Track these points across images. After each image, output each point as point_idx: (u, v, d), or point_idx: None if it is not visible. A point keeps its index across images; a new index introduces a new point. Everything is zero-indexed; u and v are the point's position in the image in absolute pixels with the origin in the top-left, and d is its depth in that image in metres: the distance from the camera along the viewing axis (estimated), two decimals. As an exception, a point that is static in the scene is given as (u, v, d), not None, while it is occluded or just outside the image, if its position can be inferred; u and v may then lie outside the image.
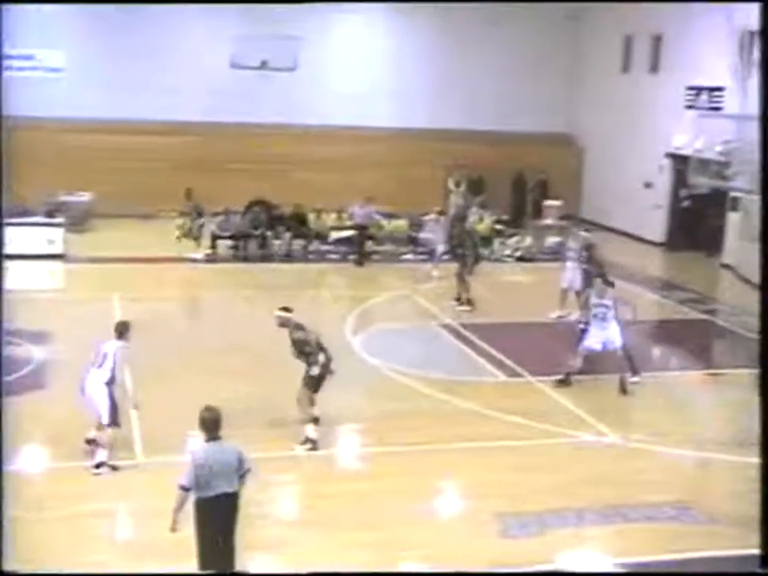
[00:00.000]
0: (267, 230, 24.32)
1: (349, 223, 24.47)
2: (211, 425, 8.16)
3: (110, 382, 10.89)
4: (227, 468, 8.10)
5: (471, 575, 9.45)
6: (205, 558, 8.16)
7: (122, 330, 11.22)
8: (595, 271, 16.80)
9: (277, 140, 28.59)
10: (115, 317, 13.73)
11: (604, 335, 14.52)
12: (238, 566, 8.36)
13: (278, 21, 27.25)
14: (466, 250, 19.59)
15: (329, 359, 11.95)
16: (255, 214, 24.59)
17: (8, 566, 7.13)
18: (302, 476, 8.90)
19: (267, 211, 24.94)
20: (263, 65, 27.79)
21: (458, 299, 19.23)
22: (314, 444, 11.68)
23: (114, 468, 10.88)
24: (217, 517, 8.14)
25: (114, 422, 10.95)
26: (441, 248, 22.35)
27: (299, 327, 11.93)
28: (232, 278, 22.19)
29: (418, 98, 30.23)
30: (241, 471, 8.19)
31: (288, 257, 23.97)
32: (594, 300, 14.77)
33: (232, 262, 23.30)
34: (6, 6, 7.72)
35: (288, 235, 24.33)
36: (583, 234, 19.68)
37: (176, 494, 8.14)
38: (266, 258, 23.68)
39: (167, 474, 9.46)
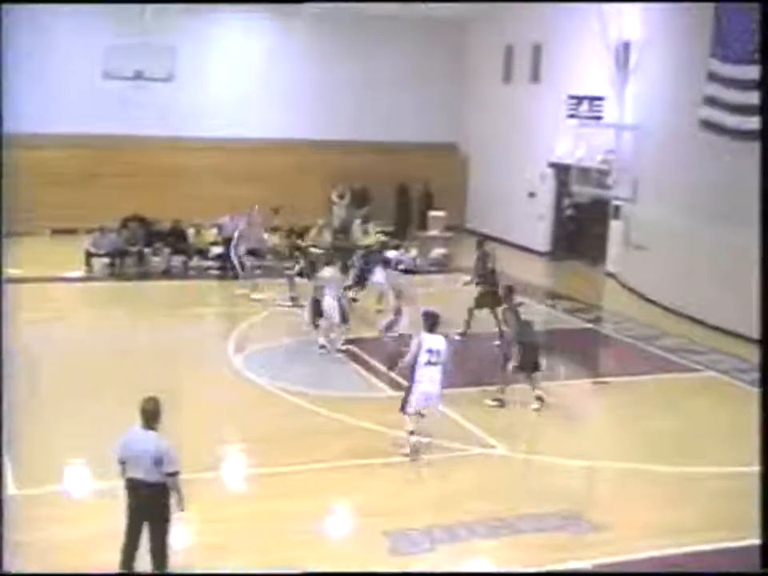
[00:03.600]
0: (145, 247, 24.05)
1: (218, 237, 24.34)
2: (147, 414, 8.67)
3: None
4: (143, 456, 8.56)
5: (468, 575, 9.74)
6: (124, 537, 8.83)
7: None
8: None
9: (153, 152, 28.30)
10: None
11: None
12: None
13: (152, 30, 27.02)
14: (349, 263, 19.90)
15: None
16: (132, 230, 24.28)
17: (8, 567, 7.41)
18: (189, 498, 8.85)
19: (144, 227, 24.66)
20: (138, 75, 27.50)
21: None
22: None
23: None
24: (129, 500, 8.77)
25: None
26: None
27: None
28: (108, 296, 21.87)
29: (300, 108, 30.31)
30: (163, 468, 8.54)
31: (167, 273, 23.73)
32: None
33: (108, 280, 22.96)
34: (6, 6, 7.61)
35: (167, 251, 24.10)
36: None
37: None
38: (144, 276, 23.40)
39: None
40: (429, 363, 12.28)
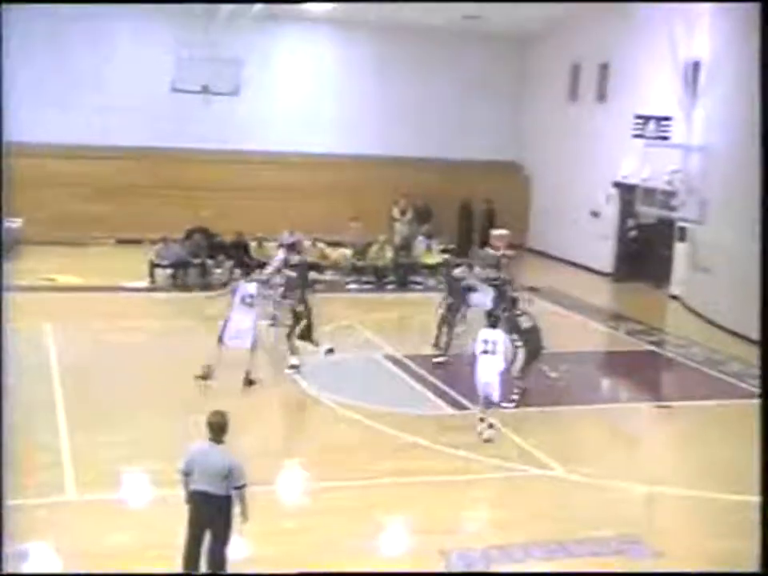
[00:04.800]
0: (207, 259, 24.31)
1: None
2: (214, 427, 8.81)
3: None
4: (210, 470, 8.67)
5: (473, 575, 9.76)
6: (184, 549, 8.89)
7: None
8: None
9: (218, 166, 28.65)
10: (48, 348, 13.61)
11: None
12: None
13: (218, 43, 27.31)
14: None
15: None
16: (195, 242, 24.57)
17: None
18: (252, 510, 8.93)
19: (207, 239, 24.94)
20: (204, 89, 27.80)
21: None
22: None
23: None
24: (192, 512, 8.85)
25: None
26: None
27: None
28: (171, 307, 22.11)
29: (363, 124, 30.52)
30: (231, 482, 8.68)
31: (229, 285, 23.88)
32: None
33: (171, 290, 23.22)
34: (6, 6, 7.78)
35: (229, 264, 24.32)
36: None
37: None
38: (207, 287, 23.56)
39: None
40: (484, 352, 13.55)
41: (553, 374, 16.39)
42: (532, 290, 20.18)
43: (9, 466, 8.22)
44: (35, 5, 24.85)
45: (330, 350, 17.12)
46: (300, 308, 16.83)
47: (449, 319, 17.77)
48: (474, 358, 13.76)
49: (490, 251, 21.02)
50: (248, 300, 16.03)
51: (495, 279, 18.59)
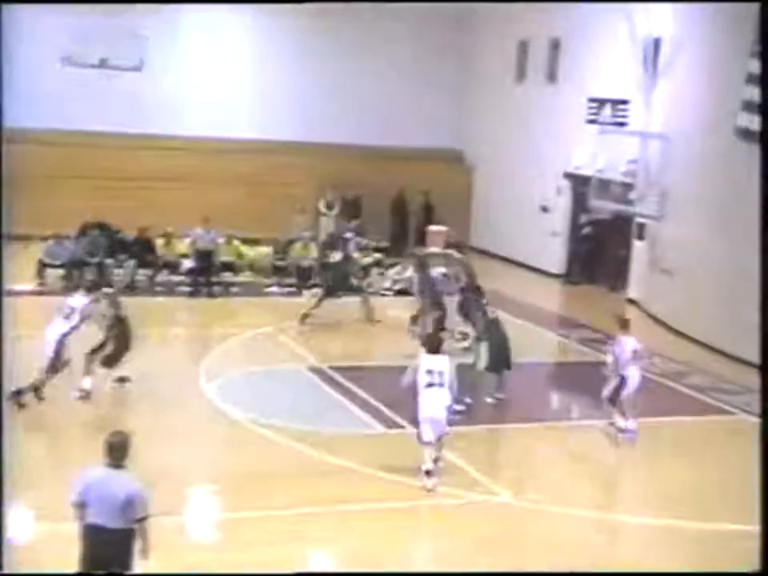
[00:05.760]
0: (107, 258, 24.06)
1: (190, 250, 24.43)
2: (113, 450, 8.56)
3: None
4: (108, 500, 8.42)
5: (470, 575, 9.88)
6: None
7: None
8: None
9: (119, 152, 28.32)
10: None
11: None
12: None
13: (118, 11, 27.02)
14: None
15: None
16: (92, 239, 24.30)
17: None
18: (156, 544, 8.82)
19: (107, 235, 24.68)
20: (102, 63, 27.54)
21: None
22: None
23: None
24: (85, 549, 8.54)
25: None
26: None
27: None
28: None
29: (287, 108, 30.47)
30: (132, 513, 8.42)
31: (131, 289, 23.69)
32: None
33: (63, 294, 22.86)
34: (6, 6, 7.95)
35: (132, 264, 24.11)
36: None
37: None
38: (105, 290, 23.37)
39: None
40: (430, 385, 12.76)
41: (488, 399, 16.49)
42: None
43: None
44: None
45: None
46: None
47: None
48: (415, 388, 12.98)
49: (450, 251, 21.38)
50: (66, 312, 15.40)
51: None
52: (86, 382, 15.56)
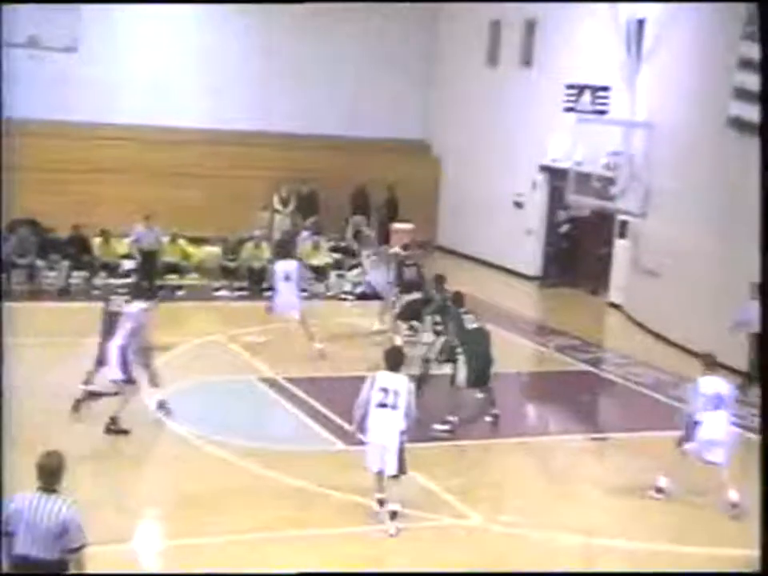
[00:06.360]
0: (37, 259, 23.89)
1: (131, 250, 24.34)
2: (45, 472, 8.42)
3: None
4: (39, 527, 8.27)
5: (471, 575, 9.35)
6: None
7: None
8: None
9: (50, 140, 28.05)
10: None
11: None
12: None
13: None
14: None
15: None
16: (21, 238, 24.11)
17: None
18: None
19: (37, 234, 24.52)
20: (32, 42, 27.28)
21: None
22: None
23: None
24: None
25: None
26: None
27: None
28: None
29: (236, 94, 30.32)
30: (66, 542, 8.28)
31: (65, 293, 23.55)
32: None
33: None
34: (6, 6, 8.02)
35: (66, 265, 23.95)
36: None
37: None
38: (36, 295, 23.20)
39: None
40: (381, 405, 12.34)
41: (486, 419, 16.33)
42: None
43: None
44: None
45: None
46: None
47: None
48: (366, 409, 12.57)
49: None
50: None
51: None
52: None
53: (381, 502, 12.42)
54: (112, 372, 15.15)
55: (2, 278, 21.55)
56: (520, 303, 25.73)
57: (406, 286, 20.69)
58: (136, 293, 16.62)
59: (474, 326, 16.03)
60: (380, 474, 12.45)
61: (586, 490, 14.77)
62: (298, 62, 30.64)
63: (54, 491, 8.45)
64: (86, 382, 15.85)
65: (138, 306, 15.64)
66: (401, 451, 12.32)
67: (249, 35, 30.63)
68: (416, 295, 20.26)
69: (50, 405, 15.86)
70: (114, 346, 15.13)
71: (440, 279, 18.84)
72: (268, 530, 12.16)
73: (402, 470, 12.38)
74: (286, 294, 19.53)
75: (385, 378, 12.48)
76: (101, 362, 15.58)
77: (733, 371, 19.67)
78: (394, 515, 12.31)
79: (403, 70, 31.77)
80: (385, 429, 12.31)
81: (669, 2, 23.02)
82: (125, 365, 15.07)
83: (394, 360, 12.70)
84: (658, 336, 22.49)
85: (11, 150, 27.36)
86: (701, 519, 13.45)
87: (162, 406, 15.82)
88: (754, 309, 16.68)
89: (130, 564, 11.55)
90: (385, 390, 12.32)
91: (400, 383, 12.40)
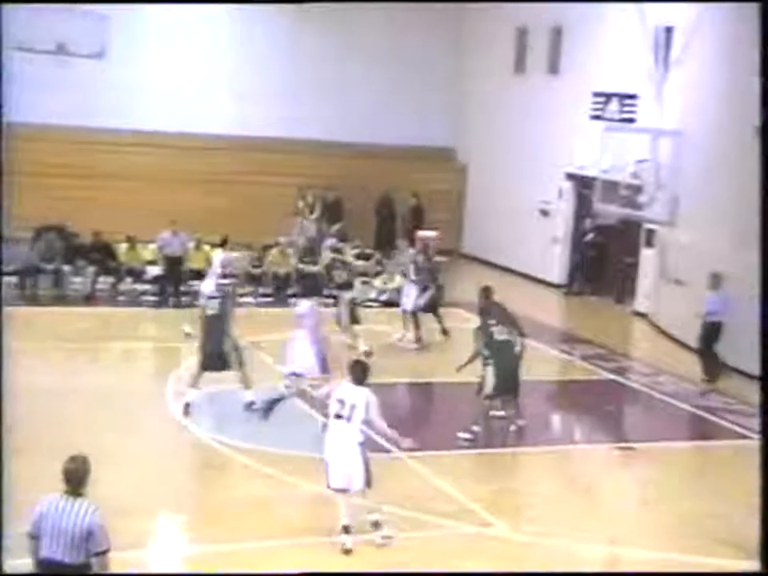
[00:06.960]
0: (64, 264, 24.02)
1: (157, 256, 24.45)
2: (70, 477, 8.49)
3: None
4: (64, 532, 8.35)
5: (476, 575, 9.35)
6: None
7: None
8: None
9: (78, 147, 28.26)
10: None
11: None
12: None
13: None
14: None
15: None
16: (48, 243, 24.25)
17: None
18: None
19: (64, 240, 24.64)
20: (60, 49, 27.44)
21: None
22: None
23: None
24: None
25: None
26: None
27: None
28: (15, 326, 21.70)
29: (264, 100, 30.45)
30: (91, 547, 8.35)
31: (91, 298, 23.66)
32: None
33: (15, 304, 22.80)
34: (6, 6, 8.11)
35: (92, 271, 24.07)
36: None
37: None
38: (63, 300, 23.30)
39: None
40: (337, 417, 12.17)
41: (512, 428, 16.45)
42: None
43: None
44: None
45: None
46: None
47: None
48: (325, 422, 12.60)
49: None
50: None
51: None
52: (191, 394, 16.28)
53: (346, 529, 11.99)
54: (302, 368, 16.03)
55: (1, 281, 21.50)
56: (545, 311, 25.65)
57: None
58: (303, 294, 18.58)
59: (504, 337, 16.01)
60: (344, 491, 12.15)
61: (611, 500, 14.79)
62: (326, 70, 30.71)
63: (79, 495, 8.53)
64: (193, 385, 16.27)
65: (307, 305, 16.74)
66: (366, 463, 12.11)
67: (274, 43, 30.75)
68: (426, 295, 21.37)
69: (77, 408, 15.97)
70: (301, 344, 16.02)
71: (487, 291, 17.69)
72: (300, 537, 12.18)
73: (368, 483, 12.13)
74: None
75: (344, 389, 12.30)
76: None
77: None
78: (376, 525, 12.19)
79: (428, 78, 31.85)
80: (339, 442, 12.13)
81: (692, 2, 22.98)
82: (322, 360, 15.91)
83: (358, 373, 12.46)
84: (683, 345, 22.41)
85: (38, 155, 27.70)
86: (728, 531, 13.42)
87: (187, 409, 15.92)
88: (713, 300, 18.81)
89: (153, 570, 11.63)
90: (341, 402, 12.13)
91: (359, 396, 12.14)
